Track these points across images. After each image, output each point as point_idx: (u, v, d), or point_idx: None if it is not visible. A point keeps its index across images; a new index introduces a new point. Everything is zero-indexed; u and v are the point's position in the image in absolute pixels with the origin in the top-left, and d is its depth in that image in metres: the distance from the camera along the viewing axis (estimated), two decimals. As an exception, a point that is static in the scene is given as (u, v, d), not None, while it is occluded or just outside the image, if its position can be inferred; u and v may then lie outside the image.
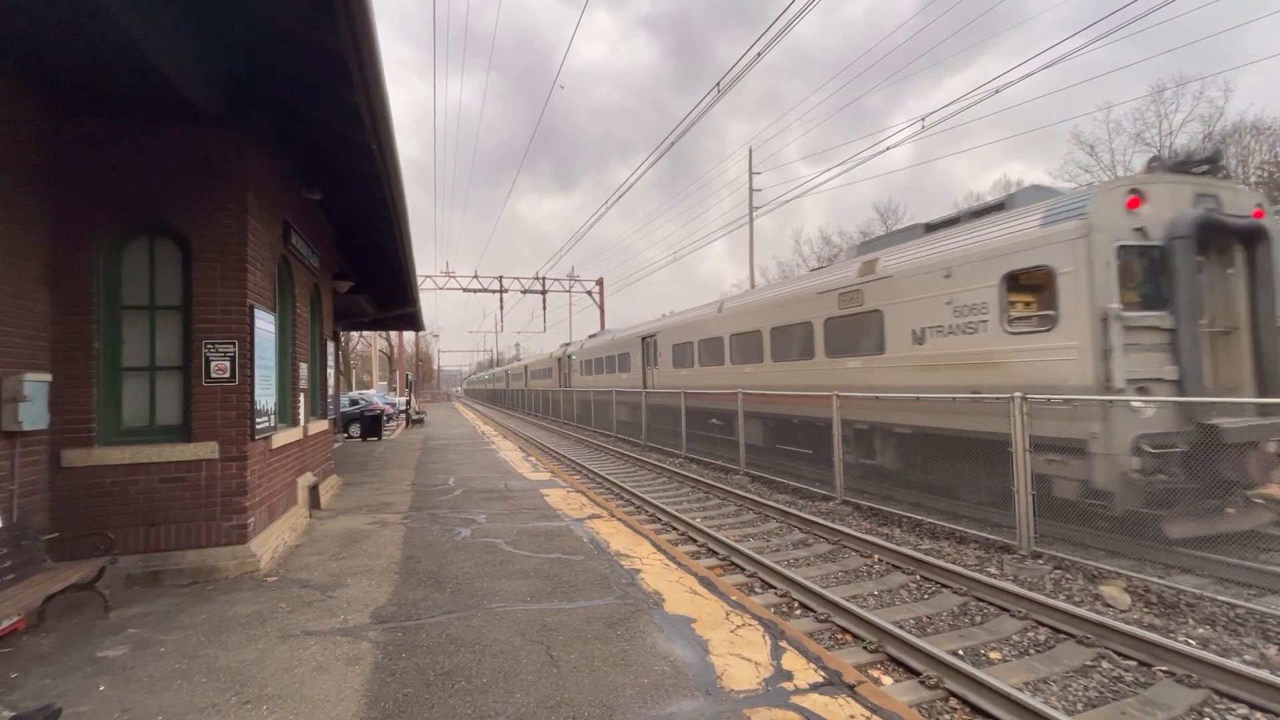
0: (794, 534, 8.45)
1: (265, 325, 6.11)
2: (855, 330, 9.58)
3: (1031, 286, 7.07)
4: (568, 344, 31.74)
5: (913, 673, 4.59)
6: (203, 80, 5.21)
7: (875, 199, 74.09)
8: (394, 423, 30.45)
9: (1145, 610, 5.53)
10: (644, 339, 18.97)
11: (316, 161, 7.16)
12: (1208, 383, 6.54)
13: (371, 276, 12.89)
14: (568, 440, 22.64)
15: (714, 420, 12.54)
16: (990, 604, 5.76)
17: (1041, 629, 5.24)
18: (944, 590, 6.16)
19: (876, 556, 7.20)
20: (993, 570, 6.66)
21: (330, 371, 10.99)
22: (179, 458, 5.42)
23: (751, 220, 28.80)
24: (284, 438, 6.91)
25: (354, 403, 25.53)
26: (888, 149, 20.59)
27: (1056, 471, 6.68)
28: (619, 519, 7.68)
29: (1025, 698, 3.98)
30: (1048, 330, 6.82)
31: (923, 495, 8.80)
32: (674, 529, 8.99)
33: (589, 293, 40.47)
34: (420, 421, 29.11)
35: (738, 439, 11.91)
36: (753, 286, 14.84)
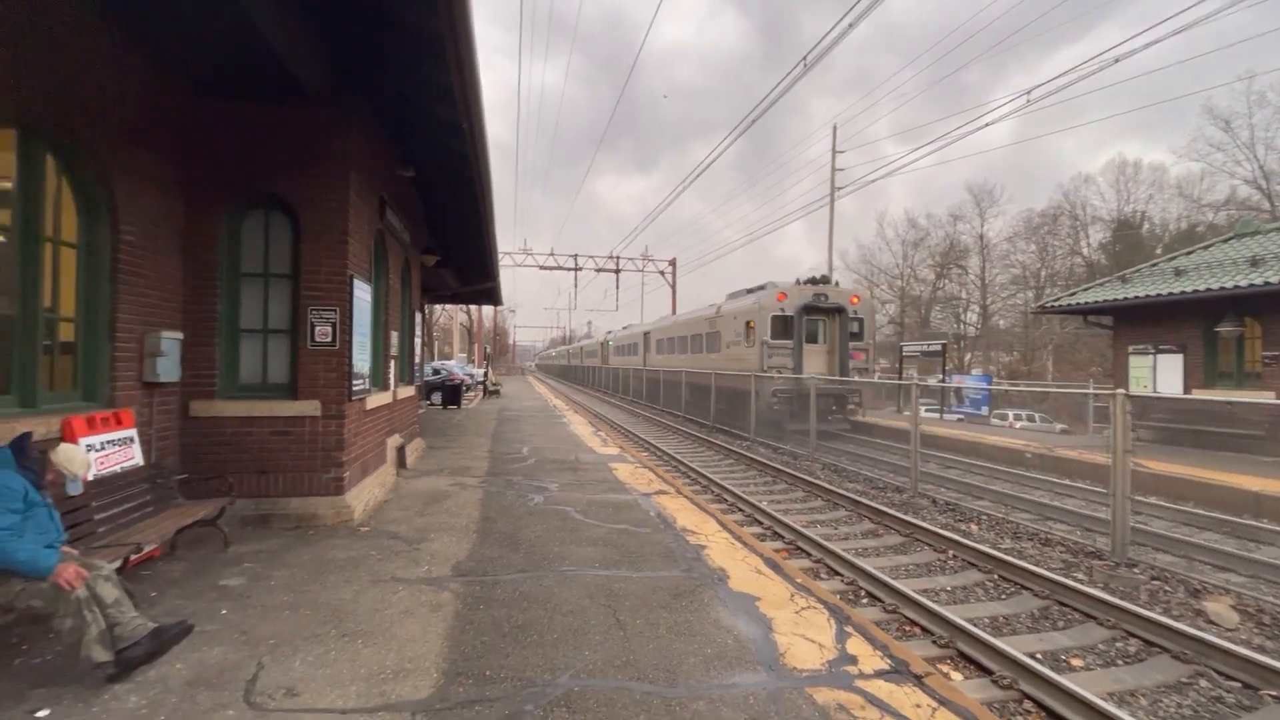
0: (864, 524, 8.30)
1: (363, 294, 6.54)
2: (713, 340, 21.20)
3: (750, 327, 17.69)
4: (610, 332, 44.08)
5: (985, 671, 4.45)
6: (313, 65, 5.57)
7: (970, 179, 69.51)
8: (472, 392, 31.75)
9: (1255, 630, 5.09)
10: (644, 334, 31.55)
11: (410, 140, 7.52)
12: (825, 372, 17.29)
13: (456, 251, 13.43)
14: (636, 418, 23.03)
15: (684, 388, 22.18)
16: (1075, 610, 5.47)
17: (1132, 640, 4.93)
18: (1024, 592, 5.89)
19: (951, 552, 6.96)
20: (1080, 576, 6.31)
21: (417, 341, 11.60)
22: (286, 413, 5.93)
23: (833, 201, 27.82)
24: (376, 400, 7.40)
25: (436, 372, 26.89)
26: (986, 125, 19.24)
27: (759, 404, 16.20)
28: (685, 496, 7.78)
29: (1110, 707, 3.79)
30: (752, 347, 17.48)
31: (735, 421, 17.88)
32: (740, 510, 9.02)
33: (661, 273, 40.46)
34: (496, 393, 30.21)
35: (681, 397, 22.11)
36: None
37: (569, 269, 39.52)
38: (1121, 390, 6.57)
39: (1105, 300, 15.55)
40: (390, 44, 5.27)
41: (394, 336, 8.79)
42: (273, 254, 6.10)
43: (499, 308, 58.18)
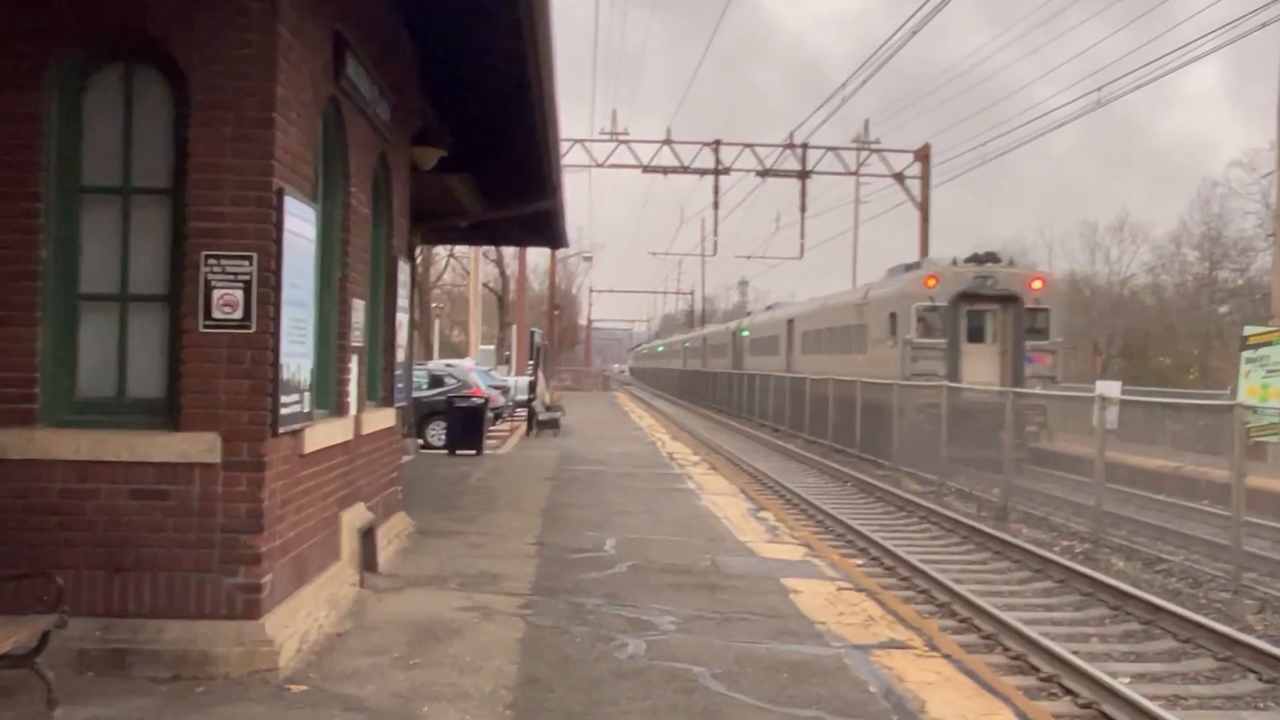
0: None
1: (301, 226, 6.86)
2: (860, 335, 35.20)
3: (893, 321, 31.81)
4: (750, 315, 60.68)
5: None
6: None
7: None
8: (505, 421, 32.58)
9: None
10: (788, 323, 45.23)
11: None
12: (992, 380, 28.44)
13: (478, 138, 13.83)
14: (820, 475, 22.68)
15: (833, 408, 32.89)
16: None
17: None
18: None
19: None
20: None
21: (402, 317, 12.03)
22: (159, 457, 6.31)
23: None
24: (324, 435, 7.75)
25: (436, 380, 27.86)
26: None
27: (903, 423, 28.80)
28: (944, 654, 7.61)
29: None
30: (895, 347, 31.00)
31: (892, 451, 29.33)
32: (1065, 689, 8.69)
33: (898, 176, 39.78)
34: (554, 424, 30.88)
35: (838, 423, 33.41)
36: None
37: (701, 171, 39.72)
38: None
39: None
40: None
41: (357, 309, 9.17)
42: (138, 151, 6.53)
43: (561, 252, 59.32)
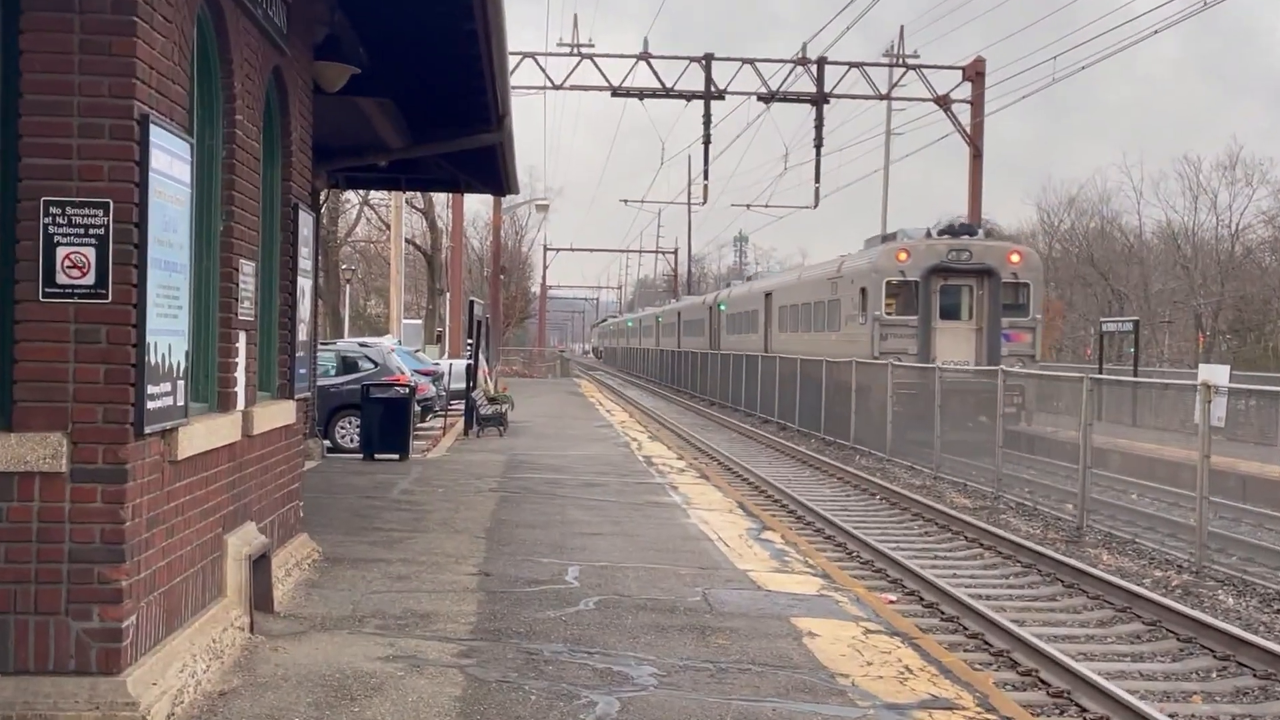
0: None
1: (172, 165, 6.78)
2: (833, 311, 44.67)
3: (864, 296, 40.85)
4: (730, 286, 67.18)
5: None
6: None
7: None
8: (437, 417, 32.53)
9: None
10: (765, 295, 53.08)
11: None
12: (967, 359, 36.43)
13: (400, 53, 13.72)
14: (840, 484, 22.84)
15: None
16: None
17: None
18: None
19: None
20: None
21: (304, 283, 11.93)
22: (-13, 465, 6.24)
23: None
24: (203, 435, 7.67)
25: (347, 364, 27.76)
26: None
27: (873, 404, 39.76)
28: (1003, 717, 7.63)
29: None
30: (865, 324, 40.61)
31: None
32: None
33: (942, 100, 39.87)
34: (499, 420, 30.86)
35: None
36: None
37: (688, 95, 39.68)
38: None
39: None
40: None
41: (245, 272, 9.08)
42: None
43: (507, 201, 59.15)
